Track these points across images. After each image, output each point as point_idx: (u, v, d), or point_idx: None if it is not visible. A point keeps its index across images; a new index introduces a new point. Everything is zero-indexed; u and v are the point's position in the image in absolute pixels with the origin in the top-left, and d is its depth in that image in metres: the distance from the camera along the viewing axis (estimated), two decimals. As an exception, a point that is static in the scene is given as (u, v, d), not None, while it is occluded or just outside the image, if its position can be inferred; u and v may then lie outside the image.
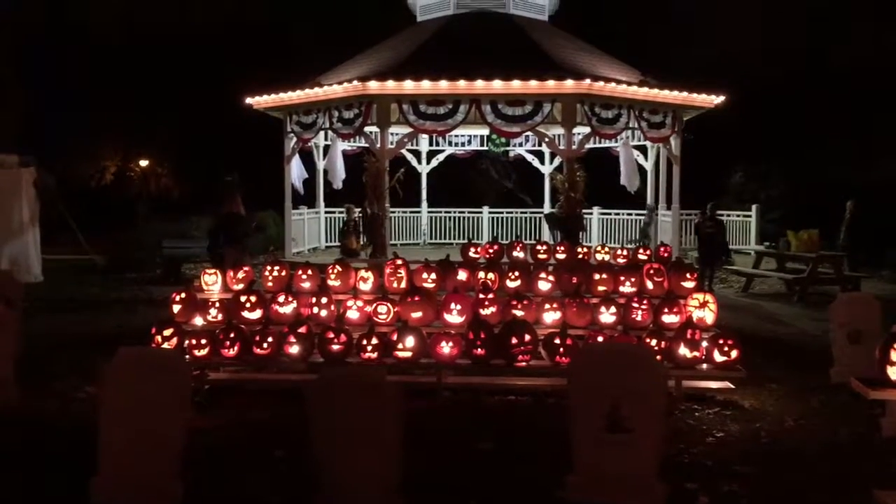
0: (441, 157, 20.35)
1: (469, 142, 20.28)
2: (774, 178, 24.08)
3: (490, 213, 20.58)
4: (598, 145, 17.66)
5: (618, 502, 4.21)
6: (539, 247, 10.08)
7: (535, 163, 20.42)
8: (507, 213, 20.69)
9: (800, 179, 23.26)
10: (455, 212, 20.69)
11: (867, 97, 22.93)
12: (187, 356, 7.31)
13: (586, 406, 4.25)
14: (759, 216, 19.79)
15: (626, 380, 4.20)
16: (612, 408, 4.17)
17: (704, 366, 7.15)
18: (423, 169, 20.32)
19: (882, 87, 22.34)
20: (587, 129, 14.99)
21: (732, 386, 7.32)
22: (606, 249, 10.58)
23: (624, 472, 4.17)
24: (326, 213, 18.81)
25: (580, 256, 9.87)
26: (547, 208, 19.57)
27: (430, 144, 20.20)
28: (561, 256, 9.82)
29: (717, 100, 15.70)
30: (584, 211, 16.08)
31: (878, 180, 20.66)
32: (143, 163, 30.83)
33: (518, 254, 9.94)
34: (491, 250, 9.94)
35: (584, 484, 4.23)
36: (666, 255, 10.09)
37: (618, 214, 19.51)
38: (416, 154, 20.23)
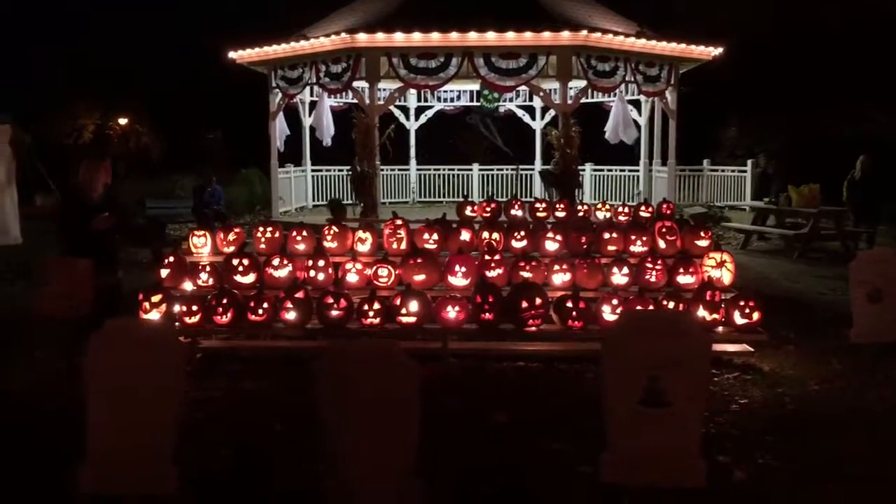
0: (430, 112, 19.79)
1: (458, 97, 19.72)
2: (771, 132, 23.62)
3: (480, 170, 20.10)
4: (592, 100, 17.20)
5: (658, 483, 3.88)
6: (538, 204, 9.70)
7: (526, 118, 19.90)
8: (498, 170, 20.20)
9: (797, 134, 22.80)
10: (444, 169, 20.18)
11: (866, 52, 22.40)
12: (177, 324, 6.92)
13: (624, 378, 3.88)
14: (754, 171, 19.39)
15: (668, 349, 3.83)
16: (652, 380, 3.82)
17: (721, 328, 6.84)
18: (412, 125, 19.79)
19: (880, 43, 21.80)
20: (583, 83, 14.57)
21: (751, 349, 7.02)
22: (608, 207, 10.20)
23: (665, 450, 3.83)
24: (313, 171, 18.31)
25: (580, 214, 9.54)
26: (539, 165, 19.14)
27: (419, 100, 19.64)
28: (560, 214, 9.48)
29: (714, 51, 15.25)
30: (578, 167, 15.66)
31: (876, 136, 20.23)
32: (122, 121, 30.00)
33: (516, 212, 9.54)
34: (488, 209, 9.56)
35: (620, 463, 3.89)
36: (668, 211, 9.77)
37: (610, 171, 19.10)
38: (405, 110, 19.67)
